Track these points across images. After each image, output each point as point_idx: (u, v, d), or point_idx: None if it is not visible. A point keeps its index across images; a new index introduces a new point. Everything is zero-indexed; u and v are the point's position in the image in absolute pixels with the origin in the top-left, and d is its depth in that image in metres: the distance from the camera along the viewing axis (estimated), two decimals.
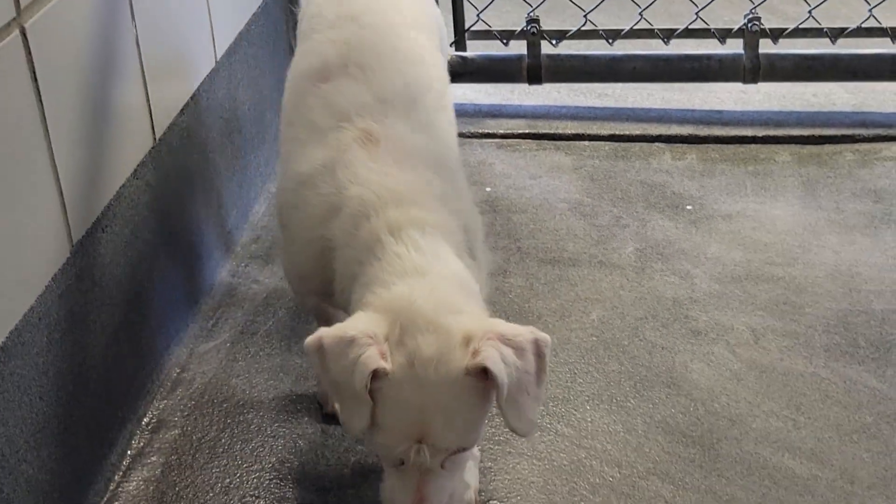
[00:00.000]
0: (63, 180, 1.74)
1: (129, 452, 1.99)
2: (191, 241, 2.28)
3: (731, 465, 1.92)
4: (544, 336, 1.39)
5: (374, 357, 1.30)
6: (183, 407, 2.08)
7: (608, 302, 2.34)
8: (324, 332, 1.38)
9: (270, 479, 1.92)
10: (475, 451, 1.67)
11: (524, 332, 1.38)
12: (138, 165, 2.02)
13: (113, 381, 1.94)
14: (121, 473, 1.95)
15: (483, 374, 1.32)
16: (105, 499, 1.89)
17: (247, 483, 1.92)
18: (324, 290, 1.69)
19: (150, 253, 2.08)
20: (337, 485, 1.90)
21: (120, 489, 1.91)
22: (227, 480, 1.92)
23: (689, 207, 2.66)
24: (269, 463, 1.96)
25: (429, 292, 1.41)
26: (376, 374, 1.31)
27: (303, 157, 1.66)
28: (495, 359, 1.29)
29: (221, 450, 1.98)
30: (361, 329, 1.35)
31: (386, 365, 1.31)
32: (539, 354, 1.37)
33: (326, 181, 1.60)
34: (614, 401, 2.07)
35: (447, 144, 1.73)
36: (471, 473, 1.67)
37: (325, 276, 1.62)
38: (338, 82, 1.67)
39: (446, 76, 1.90)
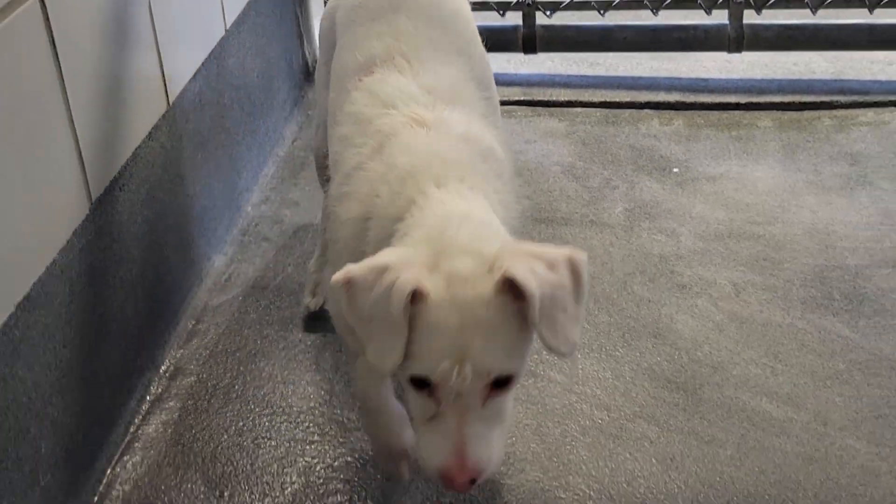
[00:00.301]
0: (81, 141, 1.76)
1: (147, 398, 2.03)
2: (203, 202, 2.30)
3: (713, 408, 1.95)
4: (580, 254, 1.24)
5: (412, 279, 1.18)
6: (198, 356, 2.12)
7: (598, 258, 2.36)
8: (352, 267, 1.24)
9: (281, 422, 1.96)
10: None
11: (556, 250, 1.25)
12: (153, 128, 2.05)
13: (132, 331, 1.97)
14: (140, 417, 1.99)
15: (516, 293, 1.18)
16: (125, 441, 1.92)
17: (259, 426, 1.95)
18: None
19: (165, 211, 2.10)
20: (344, 429, 1.93)
21: (139, 432, 1.95)
22: (241, 423, 1.96)
23: (675, 170, 2.68)
24: (280, 407, 1.99)
25: (465, 224, 1.30)
26: (413, 299, 1.18)
27: (351, 151, 1.52)
28: (523, 270, 1.16)
29: (235, 395, 2.02)
30: (395, 257, 1.25)
31: (426, 285, 1.19)
32: (574, 272, 1.22)
33: (374, 161, 1.46)
34: (604, 350, 2.10)
35: (494, 135, 1.59)
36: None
37: None
38: (383, 74, 1.56)
39: (489, 65, 1.80)
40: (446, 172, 1.38)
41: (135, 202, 1.97)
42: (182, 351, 2.13)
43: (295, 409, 1.98)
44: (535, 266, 1.18)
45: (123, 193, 1.92)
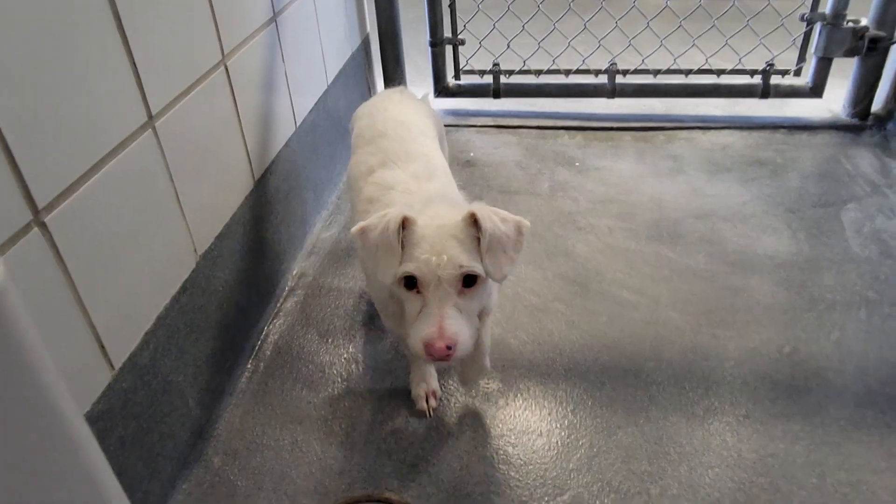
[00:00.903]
0: (249, 146, 1.76)
1: (286, 288, 2.04)
2: (315, 180, 2.31)
3: (596, 295, 1.97)
4: (525, 221, 1.19)
5: (403, 209, 1.14)
6: (314, 266, 2.13)
7: (534, 213, 2.36)
8: (362, 221, 1.19)
9: (363, 305, 1.97)
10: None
11: (511, 215, 1.19)
12: (287, 140, 2.04)
13: (277, 251, 1.99)
14: (282, 299, 2.00)
15: (476, 225, 1.12)
16: (274, 312, 1.94)
17: (349, 304, 1.97)
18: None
19: (294, 186, 2.10)
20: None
21: (281, 307, 1.97)
22: (338, 303, 1.98)
23: (577, 164, 2.67)
24: (363, 295, 2.00)
25: (444, 198, 1.26)
26: (405, 225, 1.12)
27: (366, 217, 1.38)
28: (483, 212, 1.11)
29: (335, 288, 2.04)
30: (392, 208, 1.18)
31: (413, 214, 1.13)
32: (518, 230, 1.16)
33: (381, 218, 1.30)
34: (535, 263, 2.11)
35: (456, 194, 1.47)
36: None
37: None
38: (381, 173, 1.46)
39: (444, 160, 1.62)
40: (430, 198, 1.27)
41: (279, 180, 1.97)
42: (304, 262, 2.14)
43: (367, 295, 1.97)
44: (493, 216, 1.13)
45: (272, 176, 1.92)
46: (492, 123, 3.01)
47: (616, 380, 1.68)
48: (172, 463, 1.44)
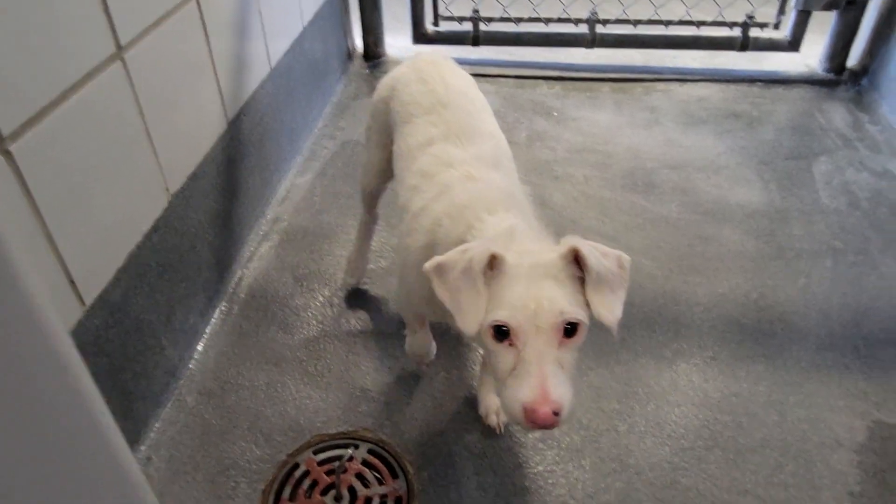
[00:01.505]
0: (222, 83, 1.72)
1: (260, 233, 2.01)
2: (292, 124, 2.26)
3: None
4: (626, 256, 1.01)
5: (490, 246, 0.95)
6: (288, 210, 2.11)
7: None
8: (439, 256, 0.99)
9: (336, 248, 1.96)
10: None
11: (609, 248, 1.02)
12: (261, 82, 2.00)
13: (251, 194, 1.96)
14: (257, 243, 1.98)
15: (577, 261, 0.96)
16: (249, 256, 1.93)
17: (324, 249, 1.96)
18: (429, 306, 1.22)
19: (270, 129, 2.07)
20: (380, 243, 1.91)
21: (256, 252, 1.95)
22: (314, 247, 1.96)
23: (555, 114, 2.66)
24: (339, 239, 1.99)
25: (522, 228, 1.08)
26: (492, 266, 0.95)
27: (418, 197, 1.24)
28: (586, 247, 0.95)
29: (309, 233, 2.02)
30: (474, 243, 1.00)
31: (502, 251, 0.95)
32: (621, 266, 0.99)
33: (436, 203, 1.19)
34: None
35: (522, 192, 1.30)
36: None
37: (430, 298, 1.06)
38: (442, 146, 1.28)
39: (506, 145, 1.41)
40: (495, 205, 1.12)
41: (252, 123, 1.93)
42: (279, 207, 2.12)
43: (342, 239, 1.96)
44: (594, 251, 0.96)
45: (246, 118, 1.89)
46: (470, 72, 2.95)
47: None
48: (146, 402, 1.44)
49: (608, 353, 1.63)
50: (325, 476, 1.37)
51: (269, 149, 2.08)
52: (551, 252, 0.97)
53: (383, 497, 1.34)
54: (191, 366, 1.60)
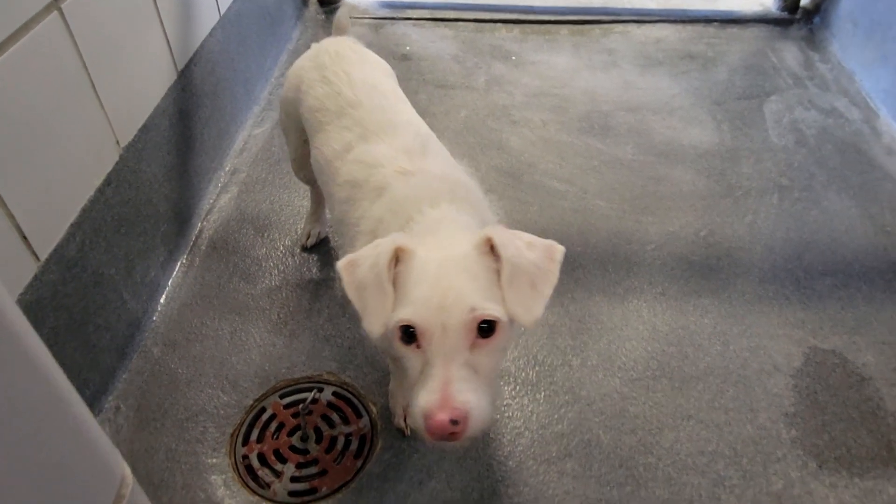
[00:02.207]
0: (170, 35, 1.69)
1: (219, 185, 2.00)
2: (246, 74, 2.22)
3: (528, 186, 2.01)
4: (560, 246, 0.88)
5: (396, 239, 0.87)
6: (246, 161, 2.09)
7: (470, 107, 2.35)
8: (352, 253, 0.91)
9: (294, 197, 1.96)
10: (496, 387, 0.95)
11: (539, 239, 0.90)
12: (212, 29, 1.96)
13: (208, 146, 1.94)
14: (216, 196, 1.97)
15: (494, 254, 0.86)
16: (208, 208, 1.92)
17: (283, 199, 1.96)
18: None
19: (223, 78, 2.03)
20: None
21: (216, 204, 1.94)
22: (273, 198, 1.96)
23: (513, 58, 2.65)
24: (296, 188, 1.98)
25: (452, 223, 0.98)
26: (400, 258, 0.86)
27: (354, 209, 1.14)
28: (502, 237, 0.85)
29: (268, 183, 2.01)
30: (387, 237, 0.90)
31: (410, 244, 0.87)
32: (550, 257, 0.87)
33: (375, 205, 1.09)
34: (469, 156, 2.13)
35: (458, 170, 1.22)
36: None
37: None
38: (363, 149, 1.18)
39: (427, 128, 1.31)
40: (438, 196, 1.03)
41: (204, 72, 1.90)
42: (237, 159, 2.10)
43: (301, 190, 1.96)
44: (514, 240, 0.86)
45: (197, 67, 1.85)
46: (428, 16, 2.92)
47: None
48: (111, 354, 1.46)
49: (563, 292, 1.68)
50: (291, 418, 1.42)
51: (224, 99, 2.04)
52: (468, 242, 0.87)
53: (348, 435, 1.39)
54: (154, 318, 1.61)
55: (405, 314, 0.82)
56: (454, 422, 0.78)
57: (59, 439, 0.46)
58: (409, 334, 0.84)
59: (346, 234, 1.18)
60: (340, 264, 0.90)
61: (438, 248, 0.87)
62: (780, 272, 1.71)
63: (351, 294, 0.88)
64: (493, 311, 0.82)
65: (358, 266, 0.88)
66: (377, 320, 0.84)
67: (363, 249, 0.90)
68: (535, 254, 0.86)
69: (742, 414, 1.40)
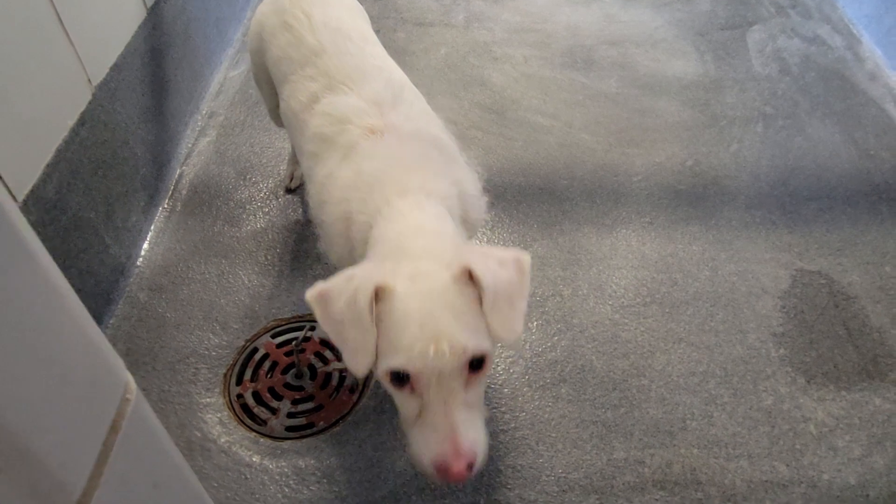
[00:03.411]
0: None
1: (197, 128, 1.95)
2: (217, 14, 2.14)
3: (512, 121, 1.98)
4: (525, 255, 0.86)
5: (375, 276, 0.82)
6: (224, 104, 2.04)
7: (450, 44, 2.30)
8: (321, 283, 0.84)
9: (275, 139, 1.92)
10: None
11: (505, 251, 0.87)
12: None
13: (184, 89, 1.89)
14: (194, 139, 1.92)
15: (472, 282, 0.82)
16: (187, 152, 1.87)
17: (263, 142, 1.91)
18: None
19: (195, 17, 1.96)
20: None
21: (194, 147, 1.90)
22: (253, 140, 1.92)
23: None
24: (275, 131, 1.94)
25: (420, 236, 0.92)
26: (380, 297, 0.81)
27: (321, 165, 1.09)
28: (479, 262, 0.82)
29: (247, 125, 1.97)
30: (360, 269, 0.85)
31: (388, 281, 0.82)
32: (520, 270, 0.85)
33: (342, 169, 1.05)
34: (452, 93, 2.09)
35: (435, 125, 1.14)
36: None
37: (353, 254, 1.03)
38: (330, 100, 1.11)
39: (398, 69, 1.24)
40: (408, 181, 0.98)
41: (175, 10, 1.83)
42: (213, 102, 2.05)
43: (282, 132, 1.91)
44: (488, 262, 0.83)
45: (167, 5, 1.78)
46: None
47: (532, 198, 1.74)
48: (96, 299, 1.43)
49: (552, 224, 1.67)
50: (284, 357, 1.41)
51: (197, 40, 1.97)
52: (444, 273, 0.83)
53: (342, 371, 1.38)
54: (139, 263, 1.58)
55: (398, 363, 0.79)
56: (469, 466, 0.78)
57: (62, 339, 0.44)
58: (400, 378, 0.81)
59: (314, 194, 1.12)
60: (310, 296, 0.84)
61: (417, 279, 0.83)
62: (766, 198, 1.72)
63: (326, 328, 0.83)
64: (484, 346, 0.80)
65: (332, 301, 0.82)
66: (361, 359, 0.81)
67: (334, 281, 0.84)
68: (507, 271, 0.84)
69: (731, 335, 1.41)
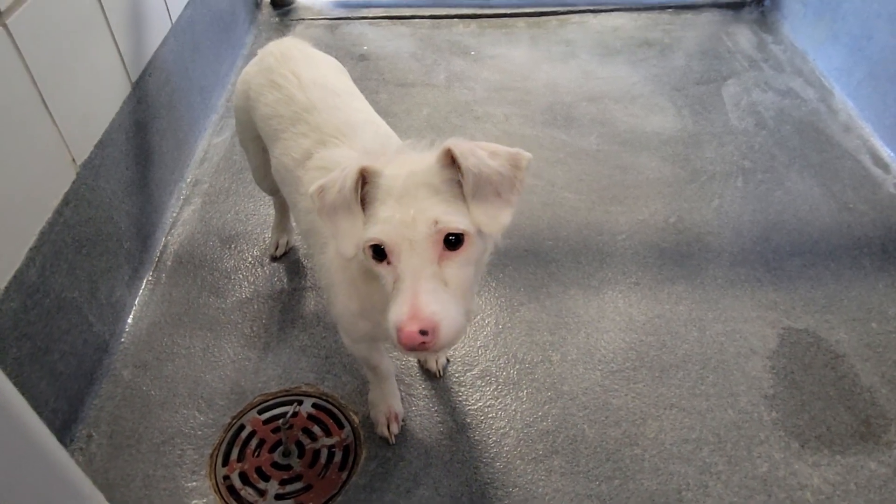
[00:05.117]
0: (121, 46, 1.63)
1: (181, 197, 1.95)
2: (201, 82, 2.16)
3: None
4: (526, 153, 0.87)
5: (361, 160, 0.86)
6: (208, 172, 2.04)
7: (432, 105, 2.33)
8: (322, 179, 0.90)
9: (260, 206, 1.92)
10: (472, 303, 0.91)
11: (504, 148, 0.87)
12: (164, 39, 1.89)
13: (168, 159, 1.89)
14: (178, 208, 1.92)
15: (455, 165, 0.83)
16: (171, 222, 1.87)
17: (247, 209, 1.91)
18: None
19: (179, 87, 1.97)
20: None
21: (179, 216, 1.89)
22: (238, 208, 1.91)
23: (472, 52, 2.63)
24: (261, 199, 1.94)
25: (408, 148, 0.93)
26: (366, 178, 0.86)
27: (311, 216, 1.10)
28: (462, 148, 0.82)
29: (232, 192, 1.97)
30: (356, 156, 0.91)
31: (374, 164, 0.86)
32: (515, 164, 0.85)
33: None
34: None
35: None
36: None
37: (373, 299, 1.02)
38: (323, 154, 1.13)
39: (385, 125, 1.25)
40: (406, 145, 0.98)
41: (159, 82, 1.84)
42: (198, 169, 2.05)
43: (267, 199, 1.90)
44: (476, 150, 0.83)
45: (151, 78, 1.79)
46: (384, 14, 2.89)
47: (517, 260, 1.74)
48: (79, 380, 1.40)
49: (538, 287, 1.67)
50: (271, 434, 1.38)
51: (181, 109, 1.98)
52: (430, 158, 0.86)
53: (331, 447, 1.36)
54: (123, 339, 1.56)
55: (372, 233, 0.83)
56: (423, 332, 0.79)
57: (29, 476, 0.43)
58: (379, 252, 0.85)
59: (315, 243, 1.15)
60: (312, 189, 0.89)
61: (405, 164, 0.86)
62: (749, 255, 1.73)
63: (323, 219, 0.88)
64: (457, 223, 0.82)
65: (327, 190, 0.87)
66: (350, 241, 0.86)
67: (332, 174, 0.89)
68: (498, 161, 0.85)
69: (723, 399, 1.41)
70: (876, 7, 2.10)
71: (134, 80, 1.68)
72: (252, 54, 2.58)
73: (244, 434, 1.38)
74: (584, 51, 2.62)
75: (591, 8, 2.91)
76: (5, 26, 1.17)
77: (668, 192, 1.95)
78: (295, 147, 1.18)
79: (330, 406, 1.43)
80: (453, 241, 0.83)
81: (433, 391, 1.45)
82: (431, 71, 2.51)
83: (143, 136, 1.72)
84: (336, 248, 0.86)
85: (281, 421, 1.39)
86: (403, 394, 1.44)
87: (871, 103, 2.13)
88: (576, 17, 2.85)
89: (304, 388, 1.47)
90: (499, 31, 2.77)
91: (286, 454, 1.35)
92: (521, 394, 1.44)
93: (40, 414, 1.21)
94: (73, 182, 1.39)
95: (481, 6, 2.93)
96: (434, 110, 2.29)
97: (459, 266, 0.84)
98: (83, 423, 1.39)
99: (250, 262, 1.75)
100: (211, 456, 1.35)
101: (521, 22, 2.83)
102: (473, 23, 2.83)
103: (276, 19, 2.82)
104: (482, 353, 1.52)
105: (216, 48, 2.30)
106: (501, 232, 0.85)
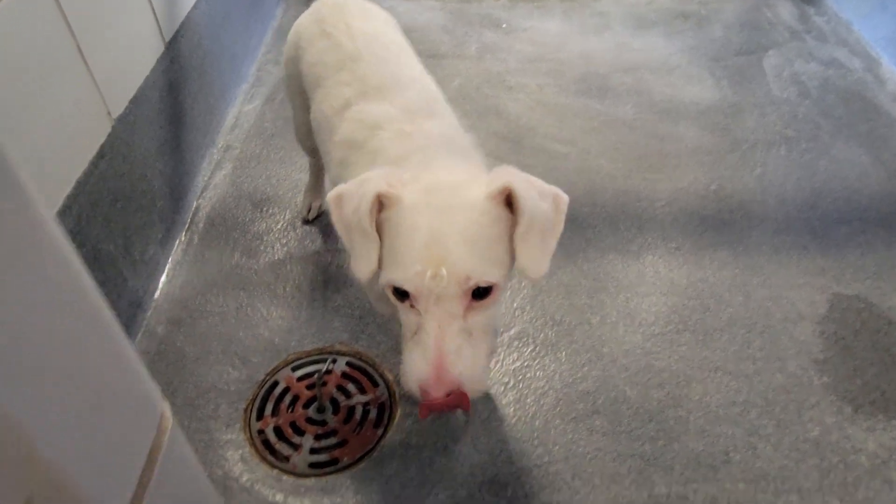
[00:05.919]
0: (157, 9, 1.62)
1: (213, 161, 1.94)
2: (233, 50, 2.15)
3: (529, 150, 1.96)
4: (565, 196, 0.82)
5: (379, 182, 0.79)
6: (239, 137, 2.03)
7: (463, 75, 2.30)
8: (343, 185, 0.84)
9: (292, 171, 1.90)
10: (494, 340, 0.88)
11: (547, 185, 0.82)
12: (196, 2, 1.88)
13: (199, 122, 1.88)
14: (210, 172, 1.90)
15: (505, 203, 0.78)
16: (203, 185, 1.85)
17: (280, 173, 1.90)
18: None
19: (211, 51, 1.96)
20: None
21: (210, 181, 1.88)
22: (269, 173, 1.90)
23: (504, 25, 2.60)
24: (294, 163, 1.93)
25: (451, 160, 0.88)
26: (385, 204, 0.80)
27: (349, 172, 1.02)
28: (522, 185, 0.77)
29: (263, 158, 1.95)
30: (376, 171, 0.83)
31: (391, 190, 0.79)
32: (558, 208, 0.81)
33: (371, 164, 0.98)
34: (467, 123, 2.06)
35: (466, 140, 1.06)
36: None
37: None
38: (362, 107, 1.07)
39: (436, 87, 1.19)
40: (434, 156, 0.93)
41: (191, 45, 1.83)
42: (229, 135, 2.04)
43: (298, 164, 1.90)
44: (531, 189, 0.78)
45: (184, 40, 1.78)
46: None
47: None
48: None
49: (576, 251, 1.63)
50: (305, 390, 1.36)
51: (212, 74, 1.97)
52: (473, 188, 0.78)
53: (366, 404, 1.34)
54: (156, 296, 1.55)
55: (395, 278, 0.77)
56: (449, 394, 0.75)
57: (98, 360, 0.41)
58: (401, 292, 0.79)
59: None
60: (330, 196, 0.84)
61: (433, 192, 0.79)
62: (795, 222, 1.68)
63: (339, 230, 0.84)
64: (491, 276, 0.76)
65: (345, 203, 0.82)
66: (364, 266, 0.80)
67: (351, 183, 0.83)
68: (546, 203, 0.80)
69: (770, 363, 1.36)
70: None
71: (167, 39, 1.67)
72: (281, 27, 2.58)
73: (278, 390, 1.37)
74: (618, 23, 2.57)
75: None
76: None
77: (707, 160, 1.90)
78: (336, 95, 1.14)
79: (364, 364, 1.41)
80: (482, 292, 0.77)
81: None
82: (463, 43, 2.47)
83: (175, 97, 1.71)
84: (352, 265, 0.81)
85: (315, 376, 1.37)
86: None
87: None
88: None
89: (338, 347, 1.45)
90: (531, 3, 2.73)
91: (320, 410, 1.33)
92: (559, 355, 1.40)
93: None
94: (109, 135, 1.38)
95: None
96: (466, 80, 2.26)
97: (484, 313, 0.80)
98: None
99: (282, 226, 1.73)
100: (245, 410, 1.33)
101: None
102: None
103: None
104: (519, 315, 1.49)
105: (245, 18, 2.29)
106: (539, 279, 0.80)
